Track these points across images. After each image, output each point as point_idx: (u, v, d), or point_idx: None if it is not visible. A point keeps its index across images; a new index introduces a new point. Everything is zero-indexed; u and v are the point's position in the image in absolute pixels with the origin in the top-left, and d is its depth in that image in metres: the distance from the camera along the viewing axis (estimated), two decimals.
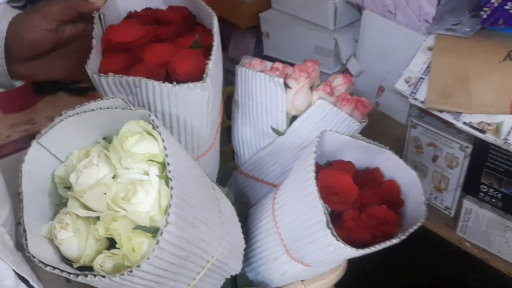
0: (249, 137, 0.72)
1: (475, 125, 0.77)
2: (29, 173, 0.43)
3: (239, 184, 0.78)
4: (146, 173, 0.41)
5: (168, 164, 0.40)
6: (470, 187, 0.90)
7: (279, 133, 0.68)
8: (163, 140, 0.41)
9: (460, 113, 0.78)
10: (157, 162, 0.42)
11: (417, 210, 0.56)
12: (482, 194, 0.87)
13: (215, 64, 0.49)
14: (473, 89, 0.77)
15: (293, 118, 0.67)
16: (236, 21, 1.18)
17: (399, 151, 0.99)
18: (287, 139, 0.68)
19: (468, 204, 0.89)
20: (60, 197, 0.46)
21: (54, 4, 0.53)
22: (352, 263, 0.74)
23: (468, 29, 0.79)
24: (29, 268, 0.41)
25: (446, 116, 0.80)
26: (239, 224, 0.61)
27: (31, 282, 0.40)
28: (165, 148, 0.41)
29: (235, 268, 0.59)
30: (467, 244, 0.92)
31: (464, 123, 0.78)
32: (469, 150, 0.87)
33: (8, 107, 1.10)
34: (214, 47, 0.49)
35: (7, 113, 1.09)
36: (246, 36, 1.23)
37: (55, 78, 0.61)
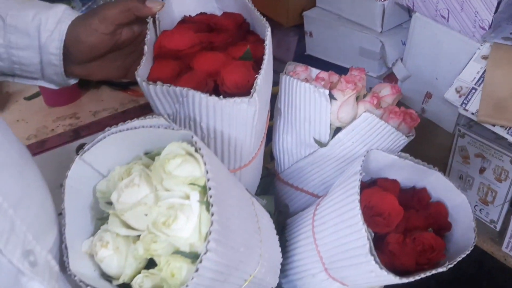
0: (290, 145, 0.70)
1: None
2: (71, 188, 0.44)
3: (278, 191, 0.77)
4: (187, 196, 0.40)
5: (210, 188, 0.39)
6: None
7: (321, 144, 0.66)
8: (205, 163, 0.40)
9: None
10: (198, 185, 0.41)
11: (465, 236, 0.54)
12: None
13: (264, 79, 0.47)
14: None
15: (337, 129, 0.65)
16: (279, 19, 1.16)
17: (444, 160, 0.96)
18: (330, 151, 0.66)
19: None
20: (101, 212, 0.46)
21: (112, 8, 0.54)
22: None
23: None
24: None
25: (498, 130, 0.76)
26: (277, 237, 0.60)
27: None
28: (206, 172, 0.40)
29: (272, 283, 0.58)
30: None
31: None
32: None
33: (53, 101, 1.12)
34: (265, 61, 0.47)
35: (52, 106, 1.11)
36: (288, 35, 1.21)
37: (109, 79, 0.63)
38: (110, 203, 0.45)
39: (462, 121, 0.92)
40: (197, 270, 0.37)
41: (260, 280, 0.53)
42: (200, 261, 0.37)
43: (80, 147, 0.45)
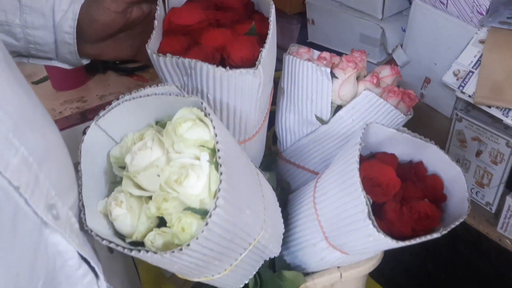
0: (292, 124, 0.73)
1: None
2: (87, 152, 0.46)
3: (280, 169, 0.79)
4: (197, 158, 0.43)
5: (218, 150, 0.42)
6: None
7: (323, 122, 0.68)
8: (214, 127, 0.43)
9: (510, 109, 0.76)
10: (207, 148, 0.44)
11: (460, 206, 0.56)
12: None
13: (268, 52, 0.50)
14: None
15: (338, 107, 0.68)
16: (282, 7, 1.18)
17: (442, 144, 0.99)
18: (331, 128, 0.69)
19: (510, 201, 0.88)
20: (115, 176, 0.49)
21: None
22: (390, 254, 0.74)
23: None
24: (91, 250, 0.43)
25: (494, 112, 0.78)
26: (279, 209, 0.63)
27: (92, 263, 0.43)
28: (215, 135, 0.42)
29: (275, 251, 0.60)
30: (508, 242, 0.91)
31: None
32: None
33: (60, 85, 1.14)
34: (269, 36, 0.50)
35: (60, 90, 1.14)
36: (291, 22, 1.23)
37: (120, 58, 0.65)
38: (123, 168, 0.48)
39: (459, 106, 0.95)
40: (206, 224, 0.40)
41: (263, 247, 0.56)
42: (210, 216, 0.40)
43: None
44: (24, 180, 0.34)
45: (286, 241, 0.67)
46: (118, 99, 0.47)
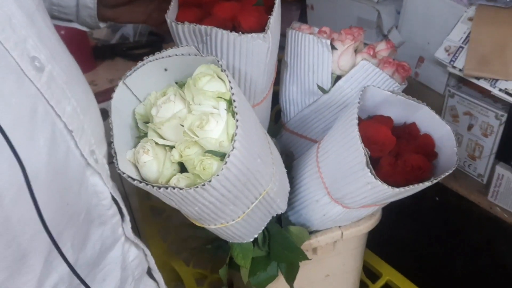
0: (295, 95, 0.79)
1: (511, 92, 0.81)
2: (116, 108, 0.52)
3: (284, 140, 0.85)
4: (215, 108, 0.48)
5: (234, 101, 0.47)
6: (504, 154, 0.94)
7: (324, 90, 0.74)
8: (229, 81, 0.48)
9: (497, 80, 0.82)
10: (224, 99, 0.49)
11: (450, 161, 0.62)
12: None
13: (275, 20, 0.55)
14: (510, 57, 0.81)
15: (338, 77, 0.74)
16: None
17: None
18: (331, 97, 0.75)
19: (500, 170, 0.94)
20: (139, 131, 0.55)
21: None
22: (387, 228, 0.80)
23: (508, 0, 0.83)
24: (119, 194, 0.49)
25: (483, 83, 0.84)
26: (285, 170, 0.68)
27: (120, 205, 0.49)
28: (231, 87, 0.48)
29: (282, 206, 0.66)
30: (498, 209, 0.97)
31: (500, 89, 0.82)
32: (504, 118, 0.91)
33: None
34: (276, 5, 0.56)
35: None
36: (291, 9, 1.29)
37: (133, 22, 0.71)
38: (147, 123, 0.54)
39: (451, 83, 1.01)
40: (226, 163, 0.46)
41: (271, 200, 0.62)
42: (228, 156, 0.46)
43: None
44: (75, 125, 0.41)
45: (290, 202, 0.73)
46: (143, 59, 0.53)
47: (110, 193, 0.47)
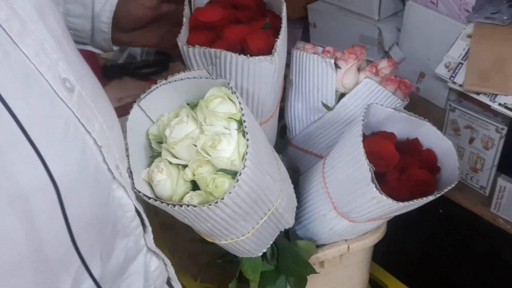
0: (300, 112, 0.81)
1: (510, 106, 0.83)
2: (131, 129, 0.54)
3: (290, 156, 0.87)
4: (227, 128, 0.51)
5: (244, 121, 0.50)
6: (505, 166, 0.96)
7: (328, 108, 0.76)
8: (240, 103, 0.51)
9: (496, 95, 0.84)
10: (235, 119, 0.52)
11: (452, 175, 0.64)
12: None
13: (282, 43, 0.58)
14: (510, 73, 0.84)
15: (342, 95, 0.76)
16: None
17: None
18: (335, 114, 0.77)
19: (502, 182, 0.95)
20: (152, 151, 0.57)
21: None
22: (393, 240, 0.82)
23: (506, 17, 0.86)
24: (142, 206, 0.52)
25: (482, 98, 0.86)
26: (292, 185, 0.70)
27: (143, 216, 0.51)
28: (241, 109, 0.50)
29: (289, 221, 0.68)
30: (501, 221, 0.98)
31: (500, 104, 0.84)
32: (504, 131, 0.93)
33: None
34: (282, 28, 0.58)
35: None
36: (294, 27, 1.32)
37: (147, 46, 0.73)
38: (160, 143, 0.56)
39: (452, 97, 1.03)
40: (237, 181, 0.48)
41: (280, 215, 0.64)
42: (240, 174, 0.48)
43: None
44: (103, 141, 0.43)
45: (298, 216, 0.75)
46: (135, 101, 0.55)
47: (134, 205, 0.50)
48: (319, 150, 0.83)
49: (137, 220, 0.50)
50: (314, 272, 0.70)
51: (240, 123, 0.51)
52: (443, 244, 1.16)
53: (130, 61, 1.33)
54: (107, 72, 1.29)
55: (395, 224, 0.79)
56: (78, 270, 0.42)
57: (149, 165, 0.55)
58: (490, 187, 1.02)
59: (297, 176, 0.80)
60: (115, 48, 0.72)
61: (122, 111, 0.75)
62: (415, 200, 0.59)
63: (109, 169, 0.45)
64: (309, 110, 0.80)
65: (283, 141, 0.86)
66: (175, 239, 1.09)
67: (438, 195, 0.60)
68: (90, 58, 1.19)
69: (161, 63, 1.31)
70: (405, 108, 0.75)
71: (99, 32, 0.67)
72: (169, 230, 1.11)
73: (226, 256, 0.74)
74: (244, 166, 0.48)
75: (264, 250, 0.69)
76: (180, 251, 1.07)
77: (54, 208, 0.37)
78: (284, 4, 0.62)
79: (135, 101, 0.56)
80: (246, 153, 0.48)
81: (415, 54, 1.06)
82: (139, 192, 0.50)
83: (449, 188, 0.61)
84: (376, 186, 0.58)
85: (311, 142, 0.83)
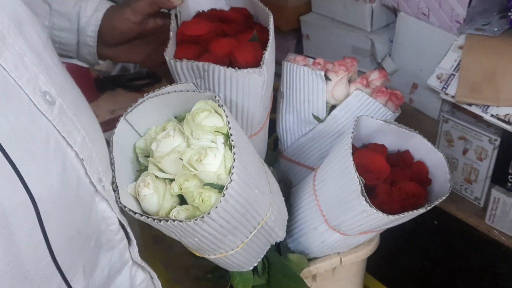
0: (292, 124, 0.81)
1: (502, 117, 0.83)
2: (117, 143, 0.54)
3: (282, 167, 0.87)
4: (213, 142, 0.50)
5: (231, 135, 0.49)
6: (499, 177, 0.95)
7: (319, 120, 0.76)
8: (226, 116, 0.50)
9: (488, 106, 0.84)
10: (221, 133, 0.51)
11: (443, 187, 0.63)
12: (510, 184, 0.93)
13: (270, 55, 0.58)
14: (501, 85, 0.84)
15: (332, 107, 0.76)
16: (278, 24, 1.27)
17: None
18: (326, 126, 0.77)
19: (496, 193, 0.95)
20: (139, 165, 0.56)
21: (141, 0, 0.65)
22: (388, 254, 0.81)
23: (496, 29, 0.86)
24: (125, 219, 0.51)
25: (475, 109, 0.86)
26: (283, 198, 0.70)
27: (127, 229, 0.50)
28: (228, 122, 0.50)
29: (280, 235, 0.67)
30: (495, 232, 0.98)
31: (492, 115, 0.84)
32: (497, 142, 0.92)
33: None
34: (270, 41, 0.58)
35: None
36: (287, 38, 1.32)
37: (131, 61, 0.73)
38: (147, 157, 0.55)
39: (445, 108, 1.03)
40: (224, 195, 0.47)
41: (270, 229, 0.63)
42: (226, 188, 0.47)
43: None
44: (86, 154, 0.43)
45: (289, 229, 0.74)
46: (144, 96, 0.55)
47: (117, 218, 0.49)
48: (311, 162, 0.82)
49: (122, 233, 0.49)
50: (305, 286, 0.69)
51: (227, 136, 0.50)
52: (438, 256, 1.15)
53: (123, 73, 1.33)
54: (100, 84, 1.29)
55: (390, 236, 0.79)
56: (59, 286, 0.41)
57: (136, 179, 0.55)
58: (485, 199, 1.01)
59: (289, 189, 0.80)
60: (101, 62, 0.72)
61: (114, 123, 0.75)
62: (405, 213, 0.58)
63: (92, 182, 0.44)
64: (300, 122, 0.80)
65: (274, 153, 0.86)
66: (168, 253, 1.08)
67: (429, 208, 0.59)
68: (82, 69, 1.18)
69: (154, 75, 1.31)
70: (397, 119, 0.75)
71: (85, 46, 0.67)
72: (162, 244, 1.10)
73: (217, 271, 0.73)
74: (231, 180, 0.47)
75: (255, 264, 0.68)
76: (174, 264, 1.06)
77: (33, 224, 0.37)
78: (271, 16, 0.62)
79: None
80: (233, 167, 0.48)
81: (407, 65, 1.07)
82: (125, 207, 0.49)
83: (440, 200, 0.60)
84: (366, 199, 0.57)
85: (302, 154, 0.83)
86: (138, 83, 1.31)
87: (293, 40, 1.31)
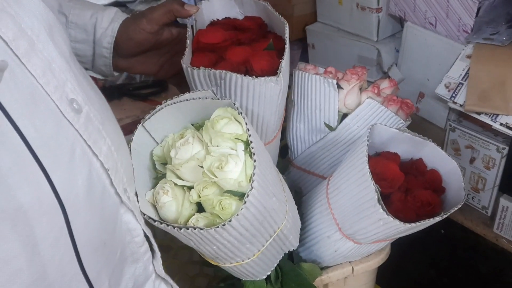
0: (303, 132, 0.81)
1: (511, 126, 0.83)
2: (135, 150, 0.54)
3: (292, 176, 0.87)
4: (233, 149, 0.50)
5: (251, 142, 0.49)
6: (507, 186, 0.96)
7: (331, 128, 0.76)
8: (246, 123, 0.50)
9: (498, 115, 0.85)
10: (241, 140, 0.51)
11: (457, 195, 0.64)
12: None
13: (286, 64, 0.58)
14: (510, 93, 0.84)
15: (344, 115, 0.76)
16: None
17: None
18: (338, 135, 0.77)
19: (504, 202, 0.95)
20: (156, 173, 0.56)
21: (157, 11, 0.65)
22: (395, 263, 0.81)
23: (504, 38, 0.86)
24: (150, 231, 0.51)
25: (483, 118, 0.86)
26: (296, 207, 0.70)
27: (152, 241, 0.50)
28: (248, 129, 0.50)
29: (293, 243, 0.67)
30: (504, 241, 0.98)
31: (501, 124, 0.84)
32: (505, 151, 0.93)
33: None
34: (286, 49, 0.58)
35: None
36: (292, 48, 1.32)
37: (147, 73, 0.73)
38: (164, 164, 0.55)
39: (452, 117, 1.03)
40: (245, 203, 0.47)
41: (285, 237, 0.63)
42: (247, 196, 0.47)
43: None
44: (111, 164, 0.42)
45: (301, 238, 0.74)
46: (134, 122, 0.55)
47: (142, 229, 0.48)
48: (321, 171, 0.82)
49: (146, 245, 0.49)
50: None
51: (247, 144, 0.51)
52: (445, 265, 1.15)
53: (129, 82, 1.33)
54: (106, 92, 1.28)
55: (397, 245, 0.78)
56: None
57: (153, 186, 0.55)
58: (492, 207, 1.02)
59: (300, 198, 0.80)
60: (116, 73, 0.72)
61: (122, 131, 0.74)
62: (422, 222, 0.58)
63: (117, 193, 0.44)
64: (311, 131, 0.80)
65: (284, 161, 0.86)
66: (173, 261, 1.07)
67: (444, 216, 0.59)
68: (91, 79, 1.19)
69: (160, 84, 1.31)
70: (406, 128, 0.75)
71: (100, 57, 0.67)
72: (167, 252, 1.10)
73: (228, 279, 0.72)
74: (252, 188, 0.47)
75: (268, 273, 0.68)
76: (178, 273, 1.05)
77: (61, 232, 0.36)
78: (287, 25, 0.62)
79: (134, 122, 0.55)
80: (254, 174, 0.48)
81: (414, 74, 1.07)
82: (144, 214, 0.49)
83: (456, 208, 0.60)
84: (382, 207, 0.57)
85: (313, 163, 0.83)
86: (144, 92, 1.30)
87: (298, 50, 1.32)
